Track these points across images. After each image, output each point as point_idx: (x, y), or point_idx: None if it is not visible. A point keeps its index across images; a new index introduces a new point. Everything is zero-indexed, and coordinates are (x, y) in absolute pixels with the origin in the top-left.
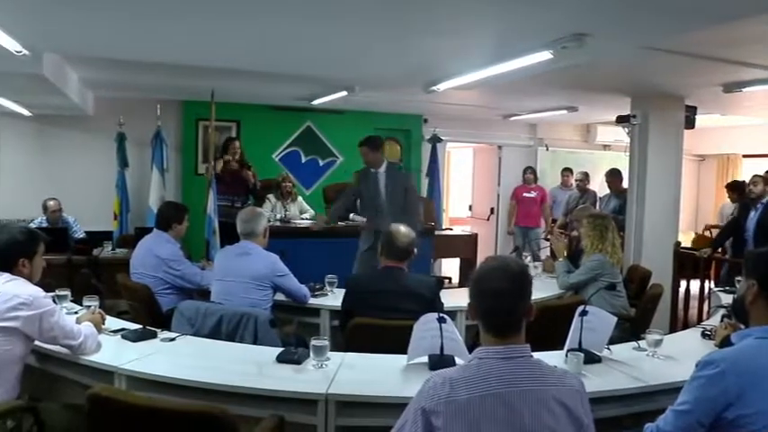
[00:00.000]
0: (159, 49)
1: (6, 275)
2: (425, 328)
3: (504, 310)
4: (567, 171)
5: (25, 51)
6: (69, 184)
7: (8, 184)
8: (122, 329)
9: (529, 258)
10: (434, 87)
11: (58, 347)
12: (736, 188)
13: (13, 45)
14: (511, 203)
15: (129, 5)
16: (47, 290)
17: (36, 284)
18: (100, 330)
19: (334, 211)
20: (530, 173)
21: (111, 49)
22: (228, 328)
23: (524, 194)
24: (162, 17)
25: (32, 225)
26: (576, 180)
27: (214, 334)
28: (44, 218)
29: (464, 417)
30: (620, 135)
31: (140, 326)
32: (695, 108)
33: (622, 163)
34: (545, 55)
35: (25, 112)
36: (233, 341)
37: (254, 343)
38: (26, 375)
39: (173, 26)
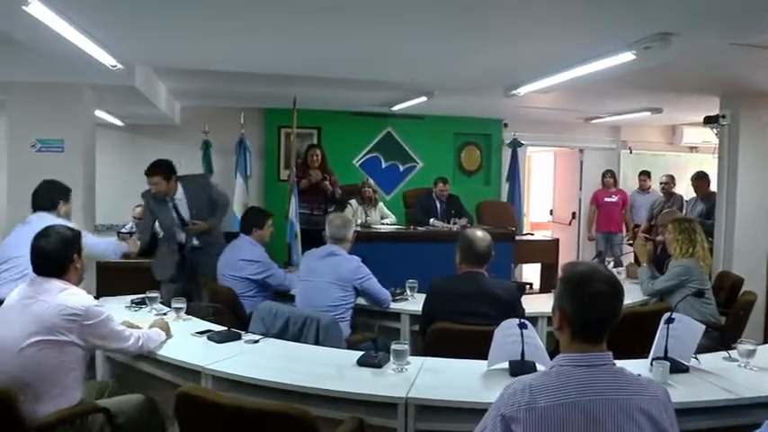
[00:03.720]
0: (244, 59)
1: (59, 284)
2: (506, 334)
3: (607, 314)
4: (644, 174)
5: (119, 65)
6: None
7: (104, 190)
8: (208, 331)
9: (611, 264)
10: (515, 91)
11: None
12: None
13: (108, 60)
14: (591, 208)
15: (216, 19)
16: (141, 293)
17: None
18: (168, 334)
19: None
20: (609, 176)
21: (197, 60)
22: (294, 329)
23: (605, 199)
24: (247, 28)
25: (123, 230)
26: (662, 183)
27: (282, 334)
28: (133, 223)
29: (544, 425)
30: (708, 136)
31: (225, 328)
32: None
33: (710, 165)
34: (627, 56)
35: (118, 123)
36: (298, 341)
37: (316, 344)
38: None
39: (257, 36)
